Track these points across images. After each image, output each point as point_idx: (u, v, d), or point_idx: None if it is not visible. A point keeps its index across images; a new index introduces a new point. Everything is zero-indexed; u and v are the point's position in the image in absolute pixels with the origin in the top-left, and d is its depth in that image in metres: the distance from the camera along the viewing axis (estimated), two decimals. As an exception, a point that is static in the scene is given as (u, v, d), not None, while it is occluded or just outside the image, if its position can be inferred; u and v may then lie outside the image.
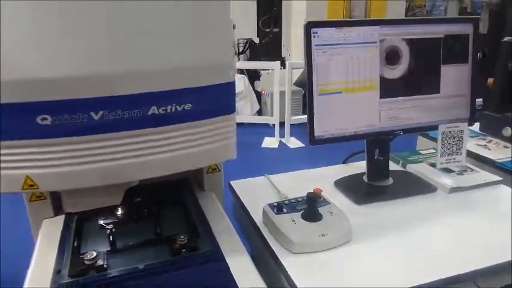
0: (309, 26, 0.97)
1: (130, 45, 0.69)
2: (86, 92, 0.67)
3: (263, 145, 3.97)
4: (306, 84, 1.01)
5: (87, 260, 0.78)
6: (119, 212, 0.96)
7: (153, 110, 0.72)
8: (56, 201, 0.96)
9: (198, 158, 0.80)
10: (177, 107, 0.74)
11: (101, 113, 0.69)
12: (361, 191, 1.13)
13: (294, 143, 3.97)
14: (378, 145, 1.14)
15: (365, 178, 1.17)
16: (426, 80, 1.11)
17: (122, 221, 0.94)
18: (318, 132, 1.03)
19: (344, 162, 1.34)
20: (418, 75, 1.10)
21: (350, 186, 1.15)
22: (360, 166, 1.25)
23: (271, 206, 0.96)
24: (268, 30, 4.84)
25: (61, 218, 0.95)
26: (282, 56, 4.71)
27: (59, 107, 0.67)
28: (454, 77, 1.12)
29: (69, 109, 0.67)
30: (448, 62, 1.10)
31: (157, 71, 0.71)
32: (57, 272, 0.76)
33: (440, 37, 1.08)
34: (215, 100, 0.78)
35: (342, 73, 1.02)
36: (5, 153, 0.68)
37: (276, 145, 3.97)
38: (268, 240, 0.90)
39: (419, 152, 1.42)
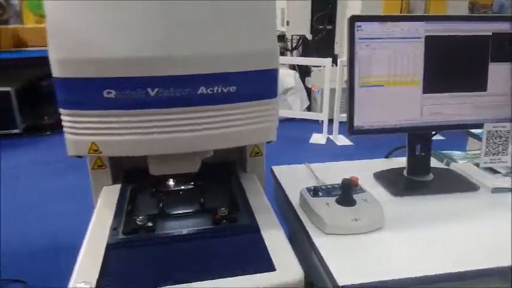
0: (353, 20, 1.00)
1: (186, 33, 0.78)
2: (145, 71, 0.77)
3: (311, 141, 4.00)
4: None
5: (139, 221, 0.88)
6: (170, 184, 1.06)
7: (202, 90, 0.80)
8: (115, 170, 1.08)
9: (241, 137, 0.88)
10: (223, 88, 0.82)
11: (156, 90, 0.78)
12: (399, 184, 1.14)
13: (341, 140, 3.96)
14: (419, 140, 1.14)
15: (405, 172, 1.18)
16: (472, 77, 1.10)
17: (172, 192, 1.04)
18: (358, 122, 1.06)
19: (386, 156, 1.36)
20: (464, 71, 1.09)
21: (389, 179, 1.16)
22: (401, 161, 1.25)
23: (308, 189, 1.01)
24: (321, 27, 4.83)
25: (118, 186, 1.06)
26: (335, 53, 4.68)
27: (122, 83, 0.77)
28: (503, 76, 1.10)
29: (130, 85, 0.77)
30: (497, 60, 1.09)
31: (207, 56, 0.80)
32: (113, 229, 0.87)
33: (488, 35, 1.07)
34: (258, 85, 0.85)
35: (385, 67, 1.04)
36: (75, 121, 0.80)
37: (323, 141, 3.98)
38: (303, 221, 0.95)
39: (467, 152, 1.40)
